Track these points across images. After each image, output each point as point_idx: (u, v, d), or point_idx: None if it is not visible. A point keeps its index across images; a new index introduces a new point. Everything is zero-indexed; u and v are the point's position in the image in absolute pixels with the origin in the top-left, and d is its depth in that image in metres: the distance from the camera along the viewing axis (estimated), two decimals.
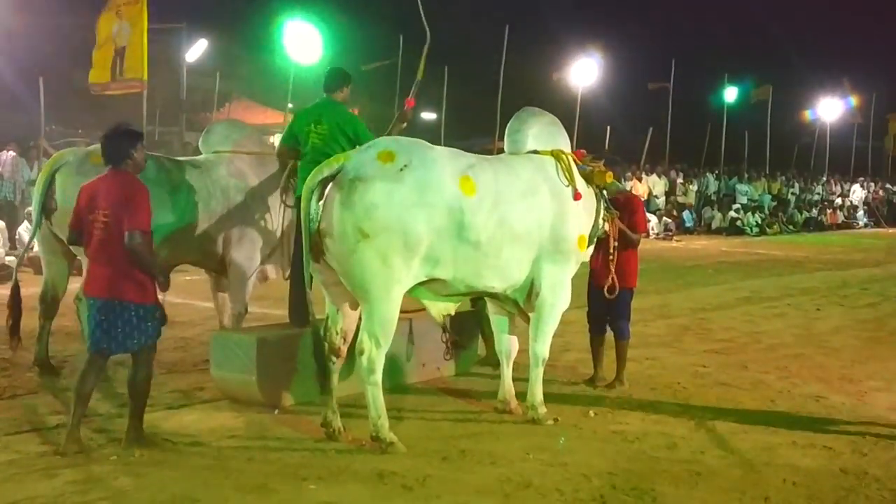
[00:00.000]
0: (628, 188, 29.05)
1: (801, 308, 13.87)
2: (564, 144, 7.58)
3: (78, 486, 5.60)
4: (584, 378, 8.69)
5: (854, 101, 40.45)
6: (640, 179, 29.53)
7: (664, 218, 28.73)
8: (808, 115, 41.10)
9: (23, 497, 5.38)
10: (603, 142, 29.18)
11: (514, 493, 5.72)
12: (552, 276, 7.22)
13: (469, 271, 6.79)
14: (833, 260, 22.37)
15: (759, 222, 31.96)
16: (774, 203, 35.13)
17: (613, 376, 8.55)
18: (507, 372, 7.60)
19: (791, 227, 33.94)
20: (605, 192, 7.76)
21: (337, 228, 6.39)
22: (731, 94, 35.97)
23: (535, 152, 7.39)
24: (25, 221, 14.76)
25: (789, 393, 8.50)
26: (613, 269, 8.04)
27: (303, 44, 21.55)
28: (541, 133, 7.48)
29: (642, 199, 28.47)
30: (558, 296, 7.33)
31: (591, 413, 7.58)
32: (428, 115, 34.37)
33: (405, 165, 6.47)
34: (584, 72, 29.41)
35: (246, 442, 6.59)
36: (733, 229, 30.76)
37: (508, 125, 7.64)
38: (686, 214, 30.79)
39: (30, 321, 8.69)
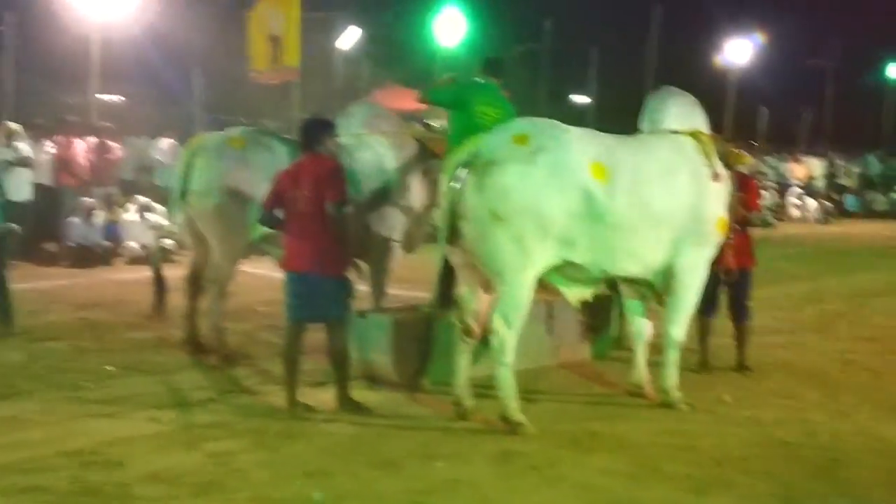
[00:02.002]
0: (786, 171, 28.34)
1: None
2: (703, 124, 7.44)
3: (217, 458, 5.82)
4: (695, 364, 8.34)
5: None
6: (798, 161, 28.66)
7: (823, 201, 27.78)
8: None
9: (163, 467, 5.63)
10: (756, 124, 28.43)
11: (640, 476, 5.68)
12: (691, 259, 7.08)
13: (605, 256, 6.72)
14: None
15: None
16: None
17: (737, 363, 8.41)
18: (641, 355, 7.53)
19: None
20: None
21: (470, 211, 6.45)
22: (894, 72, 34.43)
23: (674, 132, 7.26)
24: None
25: None
26: (732, 252, 7.82)
27: (449, 28, 21.73)
28: (680, 113, 7.36)
29: (802, 182, 27.88)
30: (696, 278, 7.19)
31: (726, 398, 7.44)
32: (579, 99, 34.12)
33: (539, 147, 6.46)
34: (740, 51, 28.66)
35: (379, 420, 6.71)
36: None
37: (647, 104, 7.53)
38: (849, 198, 29.68)
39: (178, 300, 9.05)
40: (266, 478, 5.52)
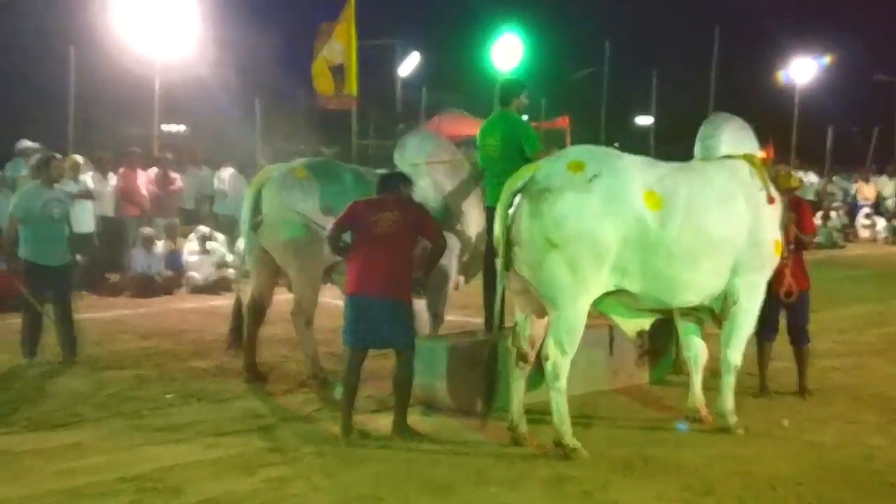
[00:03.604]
0: (854, 190, 27.87)
1: None
2: (754, 148, 7.45)
3: (272, 483, 5.91)
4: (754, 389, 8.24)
5: None
6: (866, 181, 28.19)
7: (893, 221, 27.24)
8: None
9: (220, 493, 5.73)
10: (823, 143, 28.04)
11: (694, 501, 5.66)
12: (749, 283, 7.07)
13: (661, 286, 6.76)
14: None
15: None
16: None
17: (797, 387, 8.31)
18: (697, 379, 7.47)
19: None
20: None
21: (525, 238, 6.51)
22: None
23: (728, 157, 7.26)
24: None
25: None
26: (789, 273, 7.76)
27: (507, 53, 21.84)
28: (733, 137, 7.38)
29: (870, 202, 27.35)
30: (754, 302, 7.18)
31: (785, 423, 7.36)
32: (641, 120, 34.00)
33: (595, 175, 6.50)
34: (803, 70, 28.35)
35: (434, 445, 6.75)
36: None
37: (701, 130, 7.53)
38: None
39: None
40: (319, 503, 5.58)
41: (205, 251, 15.29)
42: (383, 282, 6.73)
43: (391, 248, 6.76)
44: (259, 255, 8.68)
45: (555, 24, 31.02)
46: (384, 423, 7.18)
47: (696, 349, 7.51)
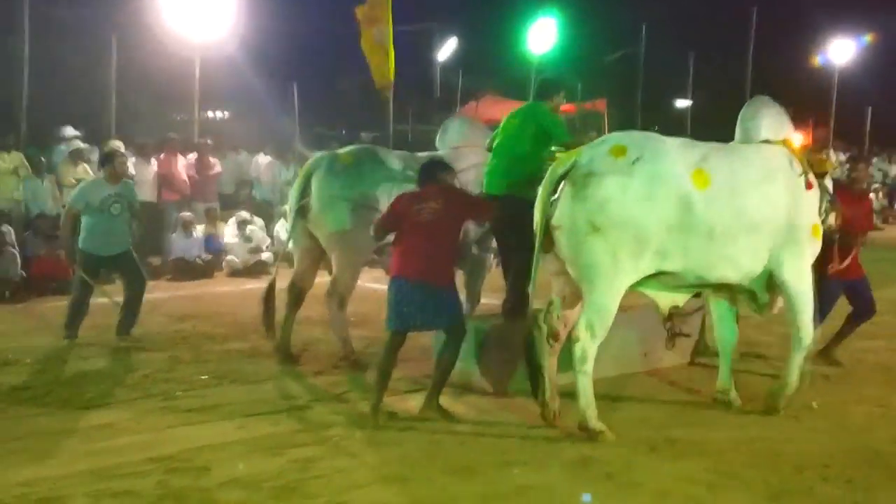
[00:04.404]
0: (894, 172, 27.52)
1: None
2: (792, 134, 7.50)
3: (298, 464, 5.98)
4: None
5: None
6: None
7: None
8: None
9: (246, 473, 5.81)
10: (862, 124, 27.69)
11: (718, 483, 5.66)
12: (793, 266, 7.10)
13: (701, 262, 6.76)
14: None
15: None
16: None
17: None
18: (727, 362, 7.46)
19: None
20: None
21: (568, 221, 6.57)
22: None
23: (767, 142, 7.30)
24: (282, 219, 15.69)
25: None
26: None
27: (542, 35, 21.78)
28: (773, 123, 7.43)
29: None
30: (805, 282, 7.20)
31: (814, 405, 7.33)
32: (678, 103, 33.76)
33: (637, 159, 6.55)
34: (841, 51, 27.99)
35: (460, 426, 6.80)
36: None
37: (741, 114, 7.58)
38: None
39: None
40: (344, 483, 5.65)
41: (243, 235, 15.44)
42: (425, 266, 6.85)
43: (433, 234, 6.85)
44: (304, 241, 8.84)
45: (591, 6, 30.80)
46: (413, 404, 7.26)
47: (727, 332, 7.50)
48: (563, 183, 6.62)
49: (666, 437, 6.49)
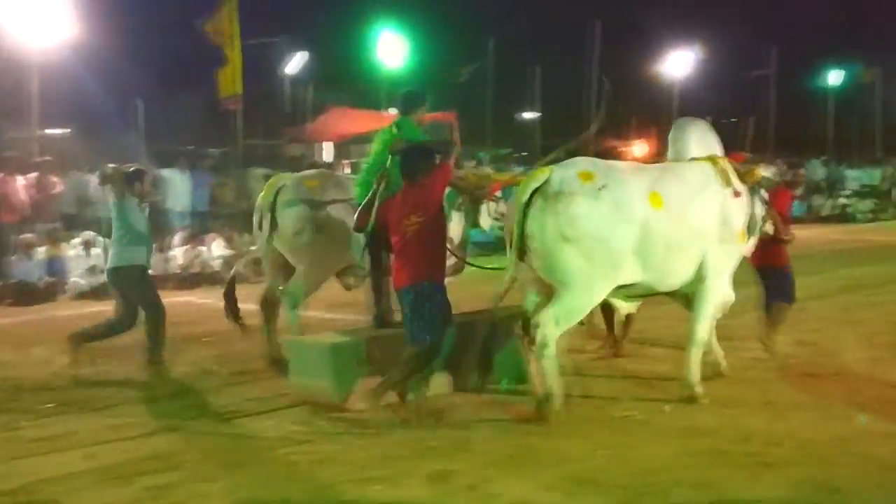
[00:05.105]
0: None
1: None
2: (718, 149, 8.20)
3: (152, 492, 5.80)
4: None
5: None
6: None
7: None
8: None
9: (101, 503, 5.63)
10: None
11: (577, 490, 5.72)
12: (717, 267, 7.74)
13: (657, 276, 7.49)
14: None
15: (872, 208, 30.91)
16: (888, 188, 33.89)
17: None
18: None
19: None
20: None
21: (539, 231, 7.13)
22: (835, 78, 35.00)
23: (695, 159, 7.96)
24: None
25: (875, 382, 8.29)
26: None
27: (392, 49, 21.88)
28: (700, 140, 8.18)
29: None
30: (720, 283, 7.86)
31: (666, 408, 7.52)
32: (527, 115, 34.38)
33: (604, 186, 7.21)
34: (681, 64, 29.02)
35: (317, 444, 6.72)
36: (843, 217, 29.84)
37: (671, 135, 8.32)
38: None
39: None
40: None
41: (88, 256, 14.98)
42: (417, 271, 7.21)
43: (421, 244, 7.23)
44: (273, 258, 9.15)
45: (438, 22, 31.09)
46: (268, 424, 7.16)
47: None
48: (534, 197, 7.17)
49: (525, 447, 6.55)
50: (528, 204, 7.18)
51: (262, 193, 9.23)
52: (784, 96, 33.36)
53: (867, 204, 30.90)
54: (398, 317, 7.70)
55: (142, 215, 9.41)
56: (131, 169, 9.62)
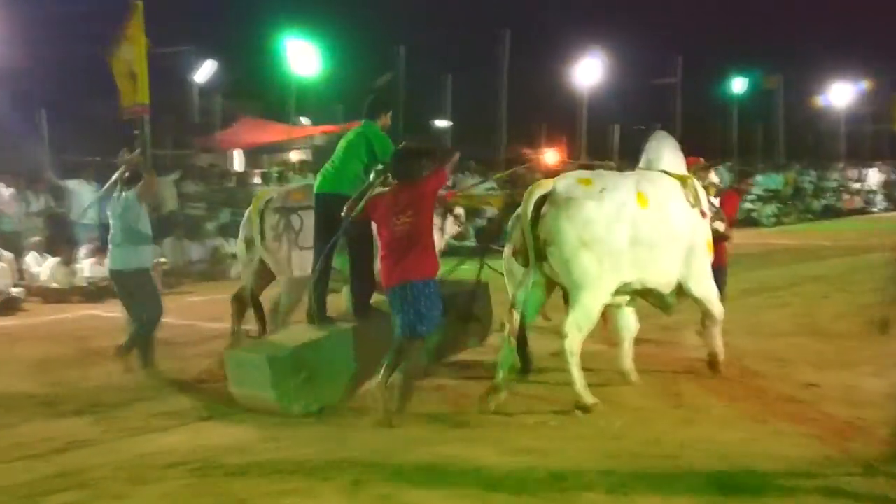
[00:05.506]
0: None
1: (807, 297, 13.83)
2: (683, 167, 8.72)
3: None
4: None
5: (866, 85, 40.16)
6: None
7: None
8: (819, 101, 40.85)
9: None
10: (610, 141, 29.12)
11: (485, 497, 5.75)
12: (698, 273, 8.32)
13: (644, 273, 7.94)
14: (847, 246, 21.96)
15: (776, 213, 31.67)
16: (791, 192, 34.78)
17: None
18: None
19: (809, 215, 33.54)
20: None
21: (558, 238, 7.66)
22: (739, 85, 35.81)
23: (667, 173, 8.42)
24: (33, 252, 15.15)
25: (782, 382, 8.51)
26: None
27: (303, 58, 21.77)
28: (672, 154, 8.72)
29: None
30: (708, 283, 8.49)
31: (577, 412, 7.59)
32: (439, 123, 34.44)
33: (603, 188, 7.80)
34: (588, 72, 29.39)
35: (229, 458, 6.63)
36: (749, 221, 30.44)
37: (647, 146, 8.84)
38: None
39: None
40: None
41: None
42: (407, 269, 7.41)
43: (411, 243, 7.43)
44: (256, 267, 9.57)
45: (348, 30, 31.00)
46: (179, 439, 7.06)
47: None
48: (544, 205, 7.69)
49: (440, 454, 6.55)
50: (536, 213, 7.66)
51: (251, 205, 9.62)
52: (690, 104, 34.00)
53: (771, 208, 31.66)
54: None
55: (146, 216, 9.62)
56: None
